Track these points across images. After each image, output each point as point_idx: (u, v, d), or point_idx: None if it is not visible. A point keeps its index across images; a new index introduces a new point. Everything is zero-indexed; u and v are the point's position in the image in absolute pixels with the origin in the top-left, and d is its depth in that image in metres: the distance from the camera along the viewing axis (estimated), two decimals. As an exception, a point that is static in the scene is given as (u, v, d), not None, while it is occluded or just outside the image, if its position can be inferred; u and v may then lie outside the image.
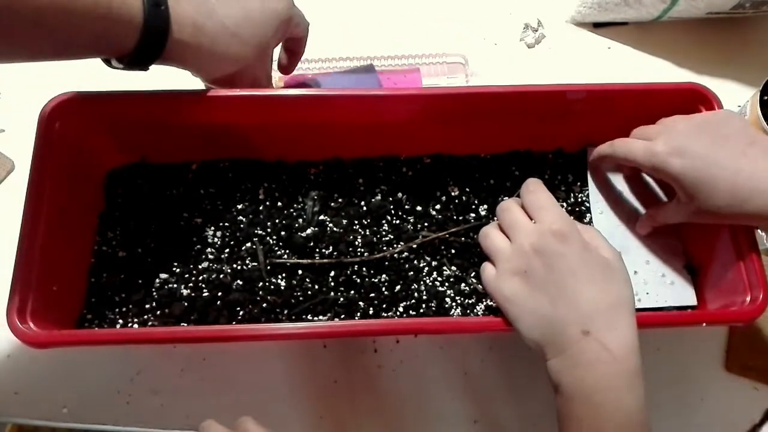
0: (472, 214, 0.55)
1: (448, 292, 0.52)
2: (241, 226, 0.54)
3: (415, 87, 0.62)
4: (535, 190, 0.46)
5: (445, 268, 0.53)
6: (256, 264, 0.53)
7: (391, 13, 0.70)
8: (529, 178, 0.47)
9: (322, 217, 0.55)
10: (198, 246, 0.53)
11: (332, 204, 0.55)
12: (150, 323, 0.50)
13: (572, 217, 0.55)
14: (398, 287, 0.52)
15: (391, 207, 0.55)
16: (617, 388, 0.39)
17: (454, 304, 0.52)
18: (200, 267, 0.53)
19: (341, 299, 0.51)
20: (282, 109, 0.52)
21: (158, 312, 0.51)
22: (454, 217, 0.55)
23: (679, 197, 0.47)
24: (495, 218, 0.55)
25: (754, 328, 0.55)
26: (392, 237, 0.54)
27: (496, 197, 0.56)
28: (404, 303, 0.51)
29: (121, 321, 0.51)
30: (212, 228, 0.54)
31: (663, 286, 0.53)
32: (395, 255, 0.53)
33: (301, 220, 0.54)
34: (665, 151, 0.46)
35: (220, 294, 0.51)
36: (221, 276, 0.52)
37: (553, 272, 0.42)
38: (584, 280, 0.41)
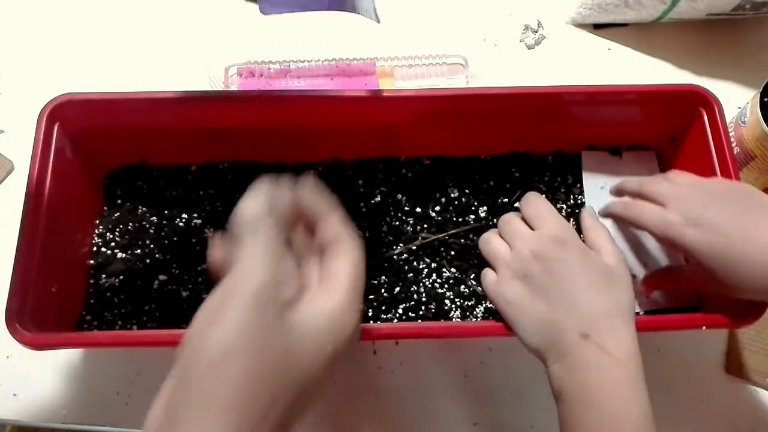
0: (472, 216, 0.55)
1: (448, 294, 0.52)
2: (241, 227, 0.54)
3: (414, 89, 0.62)
4: (534, 201, 0.47)
5: (444, 269, 0.53)
6: (255, 265, 0.52)
7: (390, 13, 0.70)
8: (529, 192, 0.48)
9: (321, 219, 0.54)
10: (197, 247, 0.53)
11: (332, 205, 0.55)
12: (149, 325, 0.50)
13: (572, 220, 0.55)
14: (397, 289, 0.52)
15: (391, 208, 0.55)
16: (618, 392, 0.38)
17: (453, 306, 0.52)
18: (199, 268, 0.52)
19: (340, 301, 0.51)
20: (281, 110, 0.52)
21: (157, 313, 0.51)
22: (454, 219, 0.55)
23: (695, 269, 0.44)
24: (495, 221, 0.55)
25: (753, 331, 0.55)
26: (391, 238, 0.54)
27: (495, 199, 0.56)
28: (403, 305, 0.51)
29: (120, 322, 0.51)
30: (212, 229, 0.54)
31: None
32: (394, 256, 0.53)
33: (300, 222, 0.54)
34: (679, 221, 0.42)
35: (219, 295, 0.51)
36: (220, 277, 0.52)
37: (553, 277, 0.42)
38: (583, 284, 0.41)
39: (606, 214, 0.51)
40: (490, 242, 0.47)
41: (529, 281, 0.42)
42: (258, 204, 0.33)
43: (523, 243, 0.44)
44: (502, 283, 0.44)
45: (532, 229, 0.45)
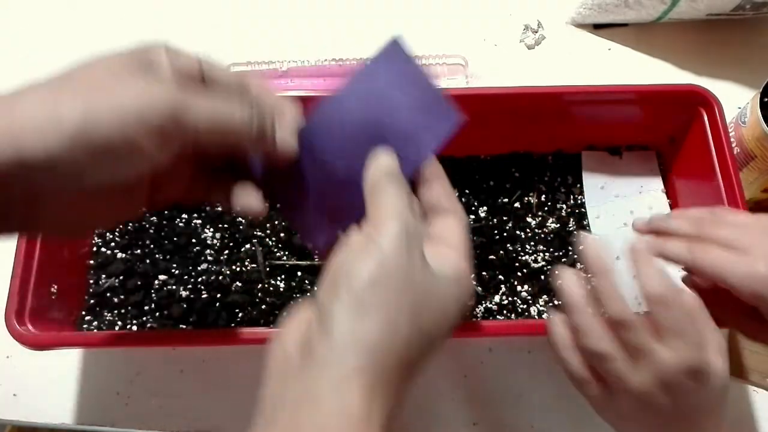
0: (472, 216, 0.55)
1: (448, 293, 0.52)
2: (240, 227, 0.54)
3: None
4: (673, 303, 0.35)
5: (444, 269, 0.53)
6: (255, 265, 0.52)
7: (390, 13, 0.70)
8: (653, 274, 0.36)
9: (321, 219, 0.54)
10: (197, 247, 0.53)
11: (332, 205, 0.55)
12: (149, 325, 0.50)
13: (571, 220, 0.55)
14: (397, 289, 0.52)
15: (391, 208, 0.55)
16: None
17: (453, 306, 0.51)
18: (199, 268, 0.53)
19: (340, 301, 0.51)
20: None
21: (157, 313, 0.51)
22: (454, 219, 0.55)
23: None
24: (495, 221, 0.55)
25: (753, 331, 0.55)
26: (392, 238, 0.54)
27: (495, 199, 0.56)
28: (403, 305, 0.51)
29: (120, 323, 0.51)
30: (211, 229, 0.54)
31: (663, 289, 0.53)
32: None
33: (300, 222, 0.54)
34: None
35: (219, 295, 0.51)
36: (220, 277, 0.52)
37: (679, 408, 0.36)
38: (710, 413, 0.36)
39: (660, 255, 0.41)
40: (606, 357, 0.36)
41: (651, 409, 0.36)
42: (392, 160, 0.32)
43: (653, 371, 0.35)
44: (616, 402, 0.37)
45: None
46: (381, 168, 0.32)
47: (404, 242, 0.29)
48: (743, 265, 0.37)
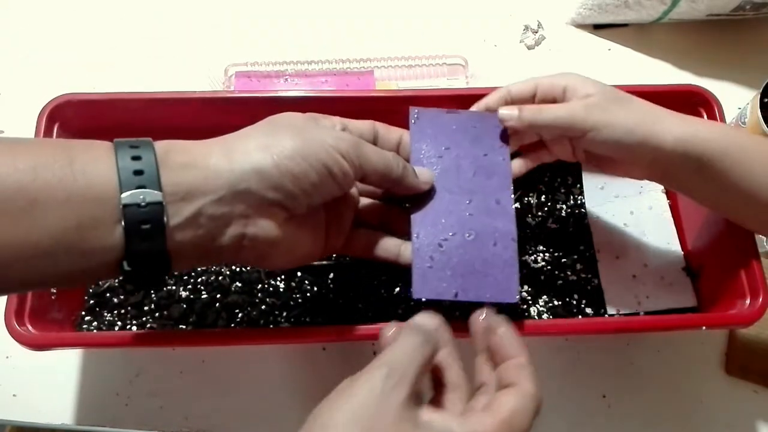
0: (472, 216, 0.55)
1: (448, 294, 0.52)
2: (241, 227, 0.54)
3: (414, 89, 0.62)
4: None
5: (444, 270, 0.53)
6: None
7: (390, 13, 0.70)
8: None
9: (321, 219, 0.54)
10: (197, 247, 0.53)
11: (332, 205, 0.55)
12: (149, 325, 0.50)
13: (571, 220, 0.55)
14: (397, 289, 0.52)
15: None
16: None
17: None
18: (199, 269, 0.52)
19: (340, 301, 0.51)
20: (280, 110, 0.52)
21: (157, 314, 0.51)
22: (454, 219, 0.55)
23: None
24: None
25: (753, 331, 0.55)
26: (391, 239, 0.54)
27: (495, 199, 0.56)
28: (403, 305, 0.51)
29: (119, 323, 0.51)
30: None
31: (662, 289, 0.53)
32: (394, 257, 0.53)
33: (300, 222, 0.54)
34: None
35: (218, 296, 0.51)
36: (220, 278, 0.52)
37: None
38: None
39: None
40: None
41: None
42: (431, 320, 0.35)
43: None
44: None
45: None
46: (419, 324, 0.34)
47: (387, 386, 0.29)
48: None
